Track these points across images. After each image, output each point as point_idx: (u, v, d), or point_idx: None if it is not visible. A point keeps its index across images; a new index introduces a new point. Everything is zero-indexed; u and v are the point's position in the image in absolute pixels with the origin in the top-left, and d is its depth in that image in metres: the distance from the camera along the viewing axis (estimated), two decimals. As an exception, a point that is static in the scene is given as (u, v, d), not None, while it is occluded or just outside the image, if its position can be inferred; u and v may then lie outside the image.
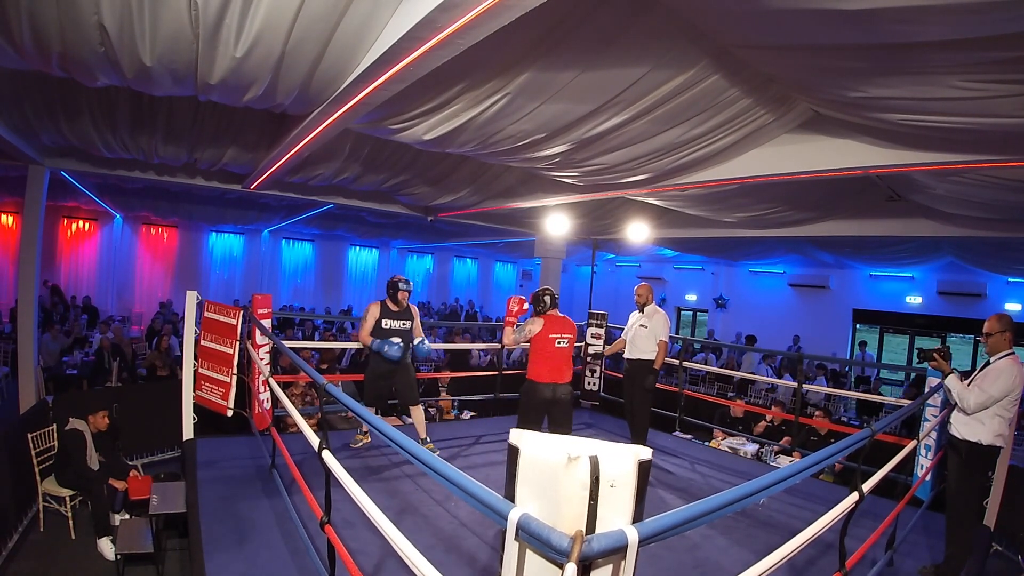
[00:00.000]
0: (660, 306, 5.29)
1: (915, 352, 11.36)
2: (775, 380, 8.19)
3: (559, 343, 3.98)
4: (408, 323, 4.45)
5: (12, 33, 2.68)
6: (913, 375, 8.75)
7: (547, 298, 4.07)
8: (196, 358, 4.35)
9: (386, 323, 4.36)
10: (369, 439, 4.61)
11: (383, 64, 2.71)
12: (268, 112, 4.12)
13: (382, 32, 2.69)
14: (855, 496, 2.20)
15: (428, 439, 4.52)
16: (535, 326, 3.98)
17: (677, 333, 14.20)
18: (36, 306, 6.17)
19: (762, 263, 13.19)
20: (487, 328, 12.62)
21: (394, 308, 4.41)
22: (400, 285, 4.43)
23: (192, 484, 3.58)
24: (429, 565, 1.44)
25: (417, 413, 4.49)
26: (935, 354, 3.28)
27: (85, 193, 9.22)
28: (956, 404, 3.18)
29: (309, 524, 2.84)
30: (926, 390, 3.92)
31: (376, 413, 4.37)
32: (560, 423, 3.99)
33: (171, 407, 4.45)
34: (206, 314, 4.31)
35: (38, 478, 4.33)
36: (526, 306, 4.25)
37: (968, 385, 3.17)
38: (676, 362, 6.00)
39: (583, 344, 6.48)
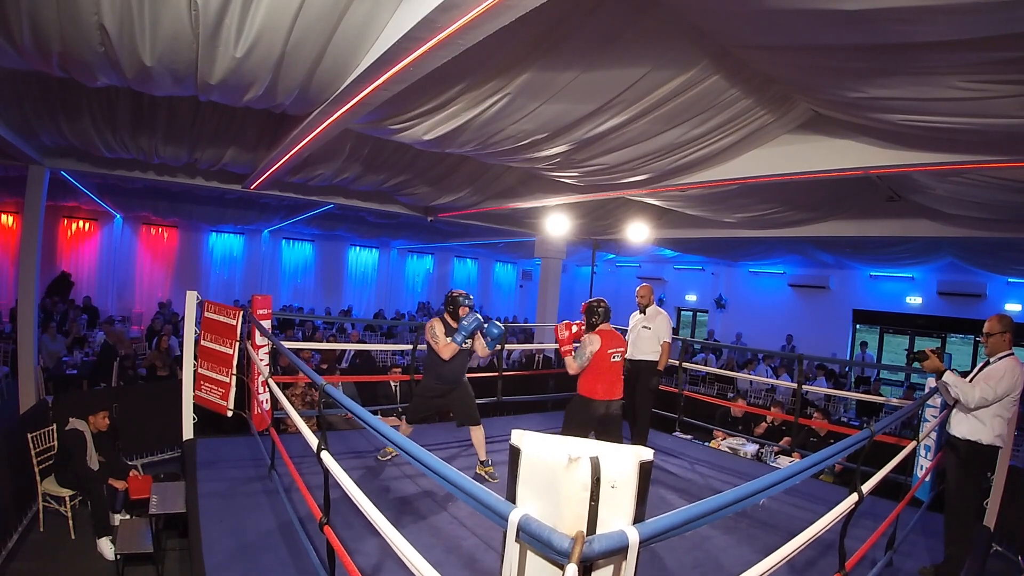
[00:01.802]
0: (659, 306, 5.29)
1: (912, 355, 11.33)
2: (774, 380, 8.19)
3: (614, 358, 3.82)
4: (470, 341, 4.06)
5: (12, 33, 2.68)
6: (912, 376, 8.77)
7: (601, 310, 3.87)
8: (196, 358, 4.35)
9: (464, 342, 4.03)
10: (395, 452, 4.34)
11: (383, 64, 2.71)
12: (268, 112, 4.12)
13: (382, 32, 2.69)
14: (855, 497, 2.20)
15: (489, 461, 4.22)
16: (594, 345, 3.77)
17: (677, 333, 14.21)
18: (36, 306, 6.17)
19: (762, 263, 13.19)
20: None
21: (455, 325, 4.06)
22: (461, 300, 4.09)
23: (192, 484, 3.57)
24: (429, 565, 1.44)
25: (477, 434, 4.18)
26: (928, 352, 3.26)
27: (85, 193, 9.21)
28: (955, 400, 3.17)
29: (308, 525, 2.84)
30: (926, 390, 3.92)
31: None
32: (611, 437, 3.79)
33: (171, 407, 4.45)
34: (206, 314, 4.31)
35: (38, 478, 4.33)
36: (574, 328, 3.99)
37: (969, 383, 3.16)
38: (676, 363, 6.00)
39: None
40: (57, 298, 10.26)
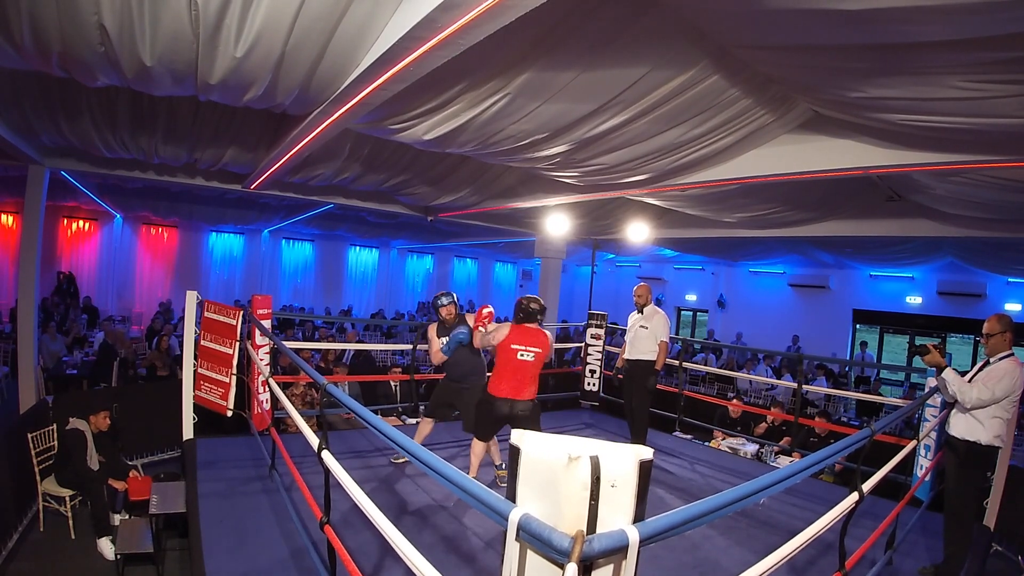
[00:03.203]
0: (657, 306, 5.27)
1: (914, 349, 11.36)
2: (774, 380, 8.19)
3: (523, 355, 3.64)
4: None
5: (12, 33, 2.68)
6: (913, 376, 8.77)
7: (532, 307, 3.73)
8: (196, 358, 4.35)
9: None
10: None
11: (383, 64, 2.71)
12: (268, 112, 4.12)
13: (382, 32, 2.69)
14: (855, 496, 2.20)
15: (503, 465, 4.12)
16: (500, 332, 3.70)
17: (677, 333, 14.20)
18: (36, 306, 6.17)
19: (762, 263, 13.19)
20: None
21: (446, 325, 4.18)
22: (439, 300, 4.24)
23: (192, 484, 3.57)
24: (429, 565, 1.44)
25: (476, 447, 3.95)
26: (931, 347, 3.25)
27: (85, 193, 9.21)
28: (954, 398, 3.17)
29: (309, 524, 2.84)
30: (926, 390, 3.92)
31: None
32: None
33: (171, 407, 4.45)
34: (206, 314, 4.31)
35: (38, 478, 4.33)
36: (487, 312, 4.04)
37: (969, 382, 3.16)
38: (676, 363, 6.00)
39: (583, 345, 6.48)
40: (58, 298, 10.26)
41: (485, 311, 4.07)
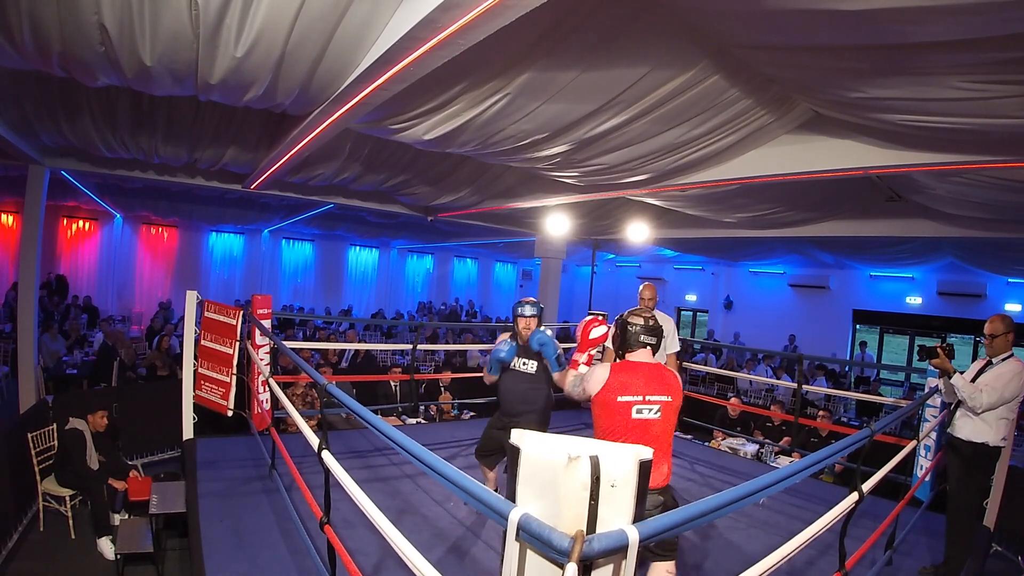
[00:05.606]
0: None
1: (916, 350, 11.35)
2: (774, 380, 8.19)
3: (640, 412, 2.18)
4: (531, 365, 3.33)
5: (12, 33, 2.69)
6: (913, 376, 8.78)
7: (634, 325, 2.31)
8: (196, 358, 4.35)
9: (515, 363, 3.36)
10: None
11: (383, 64, 2.71)
12: (268, 112, 4.13)
13: (382, 32, 2.70)
14: (855, 496, 2.20)
15: None
16: (596, 375, 2.30)
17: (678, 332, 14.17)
18: (36, 306, 6.17)
19: (762, 263, 13.19)
20: (487, 329, 12.62)
21: (518, 342, 3.37)
22: (519, 308, 3.35)
23: (192, 484, 3.57)
24: (429, 565, 1.44)
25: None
26: (939, 349, 3.21)
27: (85, 193, 9.21)
28: (962, 403, 3.14)
29: (309, 524, 2.84)
30: (926, 390, 3.92)
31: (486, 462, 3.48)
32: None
33: (171, 407, 4.45)
34: (206, 314, 4.31)
35: (38, 478, 4.33)
36: (602, 330, 2.62)
37: (970, 382, 3.15)
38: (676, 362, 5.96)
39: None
40: (57, 297, 10.25)
41: (594, 331, 2.58)
